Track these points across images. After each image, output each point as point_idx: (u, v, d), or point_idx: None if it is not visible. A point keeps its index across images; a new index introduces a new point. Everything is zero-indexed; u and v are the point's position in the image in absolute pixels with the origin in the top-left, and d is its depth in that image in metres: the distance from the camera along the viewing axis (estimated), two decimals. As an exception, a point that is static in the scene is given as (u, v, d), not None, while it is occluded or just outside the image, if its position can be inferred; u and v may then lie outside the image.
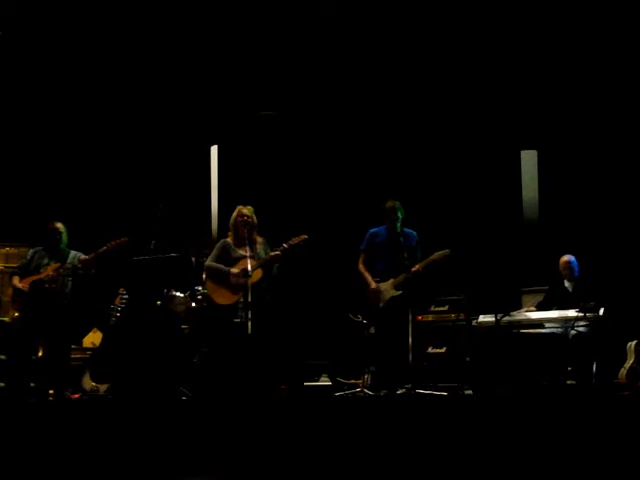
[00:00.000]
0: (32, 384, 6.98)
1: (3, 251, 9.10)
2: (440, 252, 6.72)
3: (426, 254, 6.85)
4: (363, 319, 7.56)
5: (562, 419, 4.46)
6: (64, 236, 7.09)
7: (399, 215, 6.90)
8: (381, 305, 6.80)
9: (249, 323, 6.36)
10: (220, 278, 6.71)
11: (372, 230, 7.09)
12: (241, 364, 6.44)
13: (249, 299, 6.40)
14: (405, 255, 6.66)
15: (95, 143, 9.51)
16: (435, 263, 6.73)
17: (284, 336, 7.31)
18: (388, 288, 6.78)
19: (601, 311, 6.47)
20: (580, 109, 8.35)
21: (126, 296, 7.91)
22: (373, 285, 6.85)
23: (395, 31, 8.57)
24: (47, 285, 6.88)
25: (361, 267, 7.01)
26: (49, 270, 6.92)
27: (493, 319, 6.72)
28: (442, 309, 7.94)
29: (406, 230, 6.97)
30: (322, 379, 8.25)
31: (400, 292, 6.72)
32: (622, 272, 7.67)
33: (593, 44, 8.05)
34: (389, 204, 6.94)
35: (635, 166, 8.03)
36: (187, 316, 7.53)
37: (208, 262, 6.85)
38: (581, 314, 6.46)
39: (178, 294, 7.60)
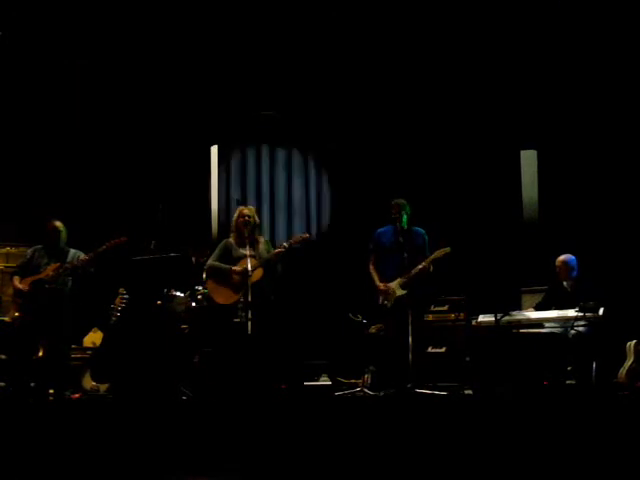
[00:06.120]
0: (32, 384, 6.98)
1: (3, 251, 9.11)
2: (441, 250, 6.73)
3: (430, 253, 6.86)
4: (363, 319, 7.57)
5: (562, 419, 4.47)
6: (63, 235, 7.10)
7: (404, 214, 6.89)
8: (388, 305, 6.79)
9: (249, 323, 6.37)
10: (221, 277, 6.74)
11: (378, 230, 7.08)
12: (241, 364, 6.45)
13: (249, 299, 6.41)
14: (406, 255, 6.66)
15: (95, 143, 9.51)
16: (436, 261, 6.74)
17: (284, 336, 7.32)
18: (395, 288, 6.78)
19: (600, 311, 6.46)
20: (580, 109, 8.35)
21: (126, 296, 7.91)
22: (381, 286, 6.84)
23: (395, 31, 8.58)
24: (47, 285, 6.88)
25: (371, 267, 6.99)
26: (49, 270, 6.93)
27: (493, 319, 6.72)
28: (442, 309, 7.95)
29: (414, 229, 6.97)
30: (322, 379, 8.25)
31: (405, 292, 6.72)
32: (622, 272, 7.67)
33: (593, 44, 8.06)
34: (393, 203, 6.94)
35: (635, 166, 8.03)
36: (187, 316, 7.54)
37: (209, 262, 6.88)
38: (581, 314, 6.46)
39: (178, 294, 7.61)
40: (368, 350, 7.38)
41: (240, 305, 6.56)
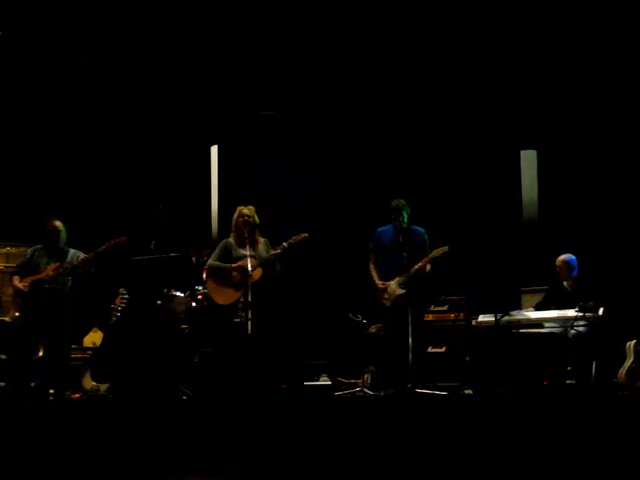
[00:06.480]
0: (32, 384, 6.99)
1: (3, 251, 9.12)
2: (439, 249, 6.74)
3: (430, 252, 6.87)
4: (363, 319, 7.58)
5: (562, 419, 4.47)
6: (63, 235, 7.10)
7: (404, 214, 6.91)
8: (388, 304, 6.80)
9: (249, 323, 6.37)
10: (221, 277, 6.74)
11: (379, 229, 7.10)
12: (241, 364, 6.45)
13: (249, 299, 6.42)
14: (405, 254, 6.67)
15: (95, 143, 9.52)
16: (435, 261, 6.75)
17: (284, 336, 7.32)
18: (394, 287, 6.79)
19: (600, 311, 6.47)
20: (580, 109, 8.35)
21: (126, 296, 7.91)
22: (379, 284, 6.85)
23: (396, 31, 8.57)
24: (47, 285, 6.88)
25: (371, 267, 7.00)
26: (49, 270, 6.93)
27: (493, 319, 6.72)
28: (442, 309, 7.95)
29: (413, 228, 6.98)
30: (322, 379, 8.26)
31: (404, 291, 6.73)
32: (622, 272, 7.67)
33: (593, 44, 8.06)
34: (393, 203, 6.95)
35: (635, 166, 8.03)
36: (187, 316, 7.54)
37: (209, 261, 6.89)
38: (580, 314, 6.47)
39: (178, 294, 7.62)
40: (368, 350, 7.38)
41: (240, 305, 6.57)
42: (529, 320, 6.84)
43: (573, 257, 7.13)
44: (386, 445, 4.36)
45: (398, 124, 9.26)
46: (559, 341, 6.70)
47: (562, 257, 7.14)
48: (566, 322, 6.65)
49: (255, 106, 9.48)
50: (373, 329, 7.45)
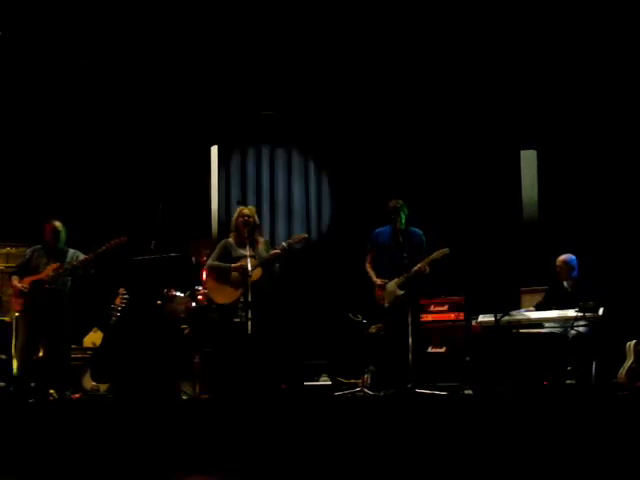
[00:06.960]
0: (32, 384, 6.99)
1: (3, 251, 9.09)
2: (440, 251, 6.74)
3: (427, 254, 6.86)
4: (363, 319, 7.58)
5: (562, 419, 4.47)
6: (62, 235, 7.10)
7: (402, 215, 6.92)
8: (386, 305, 6.81)
9: (249, 323, 6.38)
10: (221, 276, 6.75)
11: (377, 230, 7.10)
12: (241, 364, 6.46)
13: (249, 299, 6.42)
14: (405, 255, 6.67)
15: (95, 143, 9.51)
16: (435, 262, 6.75)
17: (284, 336, 7.32)
18: (393, 287, 6.80)
19: (600, 311, 6.47)
20: (580, 109, 8.35)
21: (126, 296, 7.91)
22: (378, 281, 6.86)
23: (395, 31, 8.58)
24: (47, 285, 6.88)
25: (367, 266, 7.02)
26: (49, 270, 6.93)
27: (493, 319, 6.72)
28: (442, 309, 7.95)
29: (411, 229, 6.99)
30: (322, 379, 8.26)
31: (404, 292, 6.73)
32: (622, 272, 7.67)
33: (593, 44, 8.06)
34: (391, 204, 6.95)
35: (635, 166, 8.03)
36: (187, 316, 7.55)
37: (209, 261, 6.90)
38: (580, 314, 6.47)
39: (178, 294, 7.62)
40: (368, 350, 7.38)
41: (240, 305, 6.57)
42: (529, 320, 6.84)
43: (573, 257, 7.13)
44: (386, 445, 4.36)
45: (398, 124, 9.26)
46: (559, 341, 6.70)
47: (562, 257, 7.13)
48: (566, 322, 6.65)
49: (255, 106, 9.48)
50: (373, 329, 7.45)
